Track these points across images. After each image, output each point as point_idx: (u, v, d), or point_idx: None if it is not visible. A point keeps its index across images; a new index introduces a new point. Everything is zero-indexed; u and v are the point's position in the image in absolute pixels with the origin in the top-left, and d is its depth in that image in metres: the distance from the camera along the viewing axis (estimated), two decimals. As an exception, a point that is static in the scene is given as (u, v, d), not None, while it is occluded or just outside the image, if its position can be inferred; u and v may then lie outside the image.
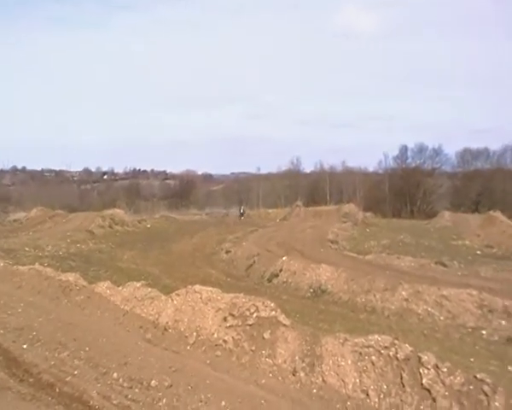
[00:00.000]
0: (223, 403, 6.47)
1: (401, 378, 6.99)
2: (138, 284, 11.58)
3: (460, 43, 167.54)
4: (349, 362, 7.53)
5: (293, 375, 7.64)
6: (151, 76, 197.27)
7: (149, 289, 11.26)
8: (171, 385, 6.88)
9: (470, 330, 11.81)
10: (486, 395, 6.22)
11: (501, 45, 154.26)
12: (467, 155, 62.53)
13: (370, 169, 72.75)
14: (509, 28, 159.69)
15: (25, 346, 8.21)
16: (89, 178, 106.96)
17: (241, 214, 44.50)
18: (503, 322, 11.68)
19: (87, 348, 8.06)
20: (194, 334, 9.10)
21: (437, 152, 62.80)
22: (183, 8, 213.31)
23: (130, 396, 6.50)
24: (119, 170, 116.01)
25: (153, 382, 6.92)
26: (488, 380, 6.42)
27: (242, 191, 75.34)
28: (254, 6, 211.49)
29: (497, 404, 6.08)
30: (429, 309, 12.94)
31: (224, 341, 8.74)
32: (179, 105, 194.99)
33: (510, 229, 28.91)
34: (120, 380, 6.95)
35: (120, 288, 11.52)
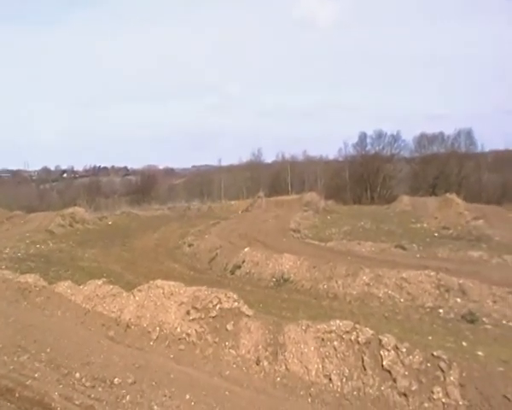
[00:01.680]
0: (187, 396, 6.49)
1: (362, 362, 7.16)
2: (100, 282, 11.47)
3: (416, 29, 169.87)
4: (312, 349, 7.65)
5: (257, 365, 7.72)
6: (108, 70, 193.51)
7: (111, 287, 11.16)
8: (134, 382, 6.86)
9: (429, 309, 12.12)
10: (443, 370, 6.45)
11: (457, 31, 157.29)
12: (423, 140, 63.64)
13: (331, 157, 73.33)
14: (465, 15, 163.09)
15: (-19, 352, 8.02)
16: (48, 177, 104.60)
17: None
18: (459, 300, 12.03)
19: (48, 350, 7.96)
20: (158, 329, 9.09)
21: (395, 138, 63.67)
22: None
23: (93, 396, 6.46)
24: (78, 168, 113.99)
25: (116, 379, 6.89)
26: (444, 356, 6.65)
27: (204, 184, 74.95)
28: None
29: (452, 378, 6.31)
30: (390, 292, 13.19)
31: (188, 334, 8.76)
32: (137, 99, 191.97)
33: (465, 210, 29.73)
34: (83, 380, 6.90)
35: (81, 287, 11.38)
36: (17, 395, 6.54)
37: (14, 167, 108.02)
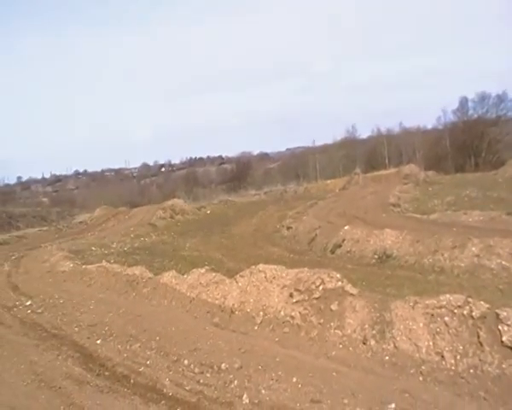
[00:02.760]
0: (294, 379, 6.43)
1: (478, 337, 6.71)
2: (202, 270, 11.69)
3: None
4: (421, 325, 7.31)
5: (364, 344, 7.50)
6: (197, 61, 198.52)
7: (214, 274, 11.35)
8: (241, 367, 6.91)
9: (550, 280, 11.24)
10: None
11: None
12: (534, 96, 58.98)
13: (429, 127, 70.35)
14: None
15: (98, 341, 8.51)
16: (147, 172, 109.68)
17: None
18: None
19: (157, 338, 8.25)
20: (261, 313, 9.09)
21: (501, 99, 59.32)
22: None
23: (201, 381, 6.58)
24: (175, 161, 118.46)
25: (223, 365, 6.97)
26: None
27: (299, 166, 74.89)
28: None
29: None
30: (503, 263, 12.38)
31: (292, 317, 8.69)
32: (229, 88, 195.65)
33: None
34: (191, 366, 7.05)
35: (185, 276, 11.67)
36: (132, 381, 6.82)
37: (116, 166, 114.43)
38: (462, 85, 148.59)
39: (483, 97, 59.64)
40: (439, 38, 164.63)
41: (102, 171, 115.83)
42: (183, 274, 11.86)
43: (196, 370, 6.92)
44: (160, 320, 9.34)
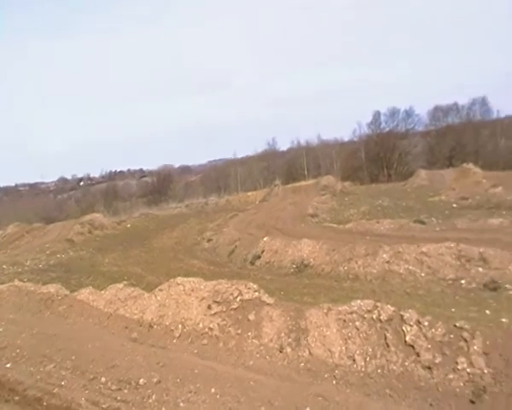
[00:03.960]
0: (212, 390, 6.55)
1: (385, 339, 7.16)
2: (120, 286, 11.60)
3: (421, 6, 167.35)
4: (334, 331, 7.68)
5: (280, 352, 7.76)
6: (115, 72, 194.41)
7: (132, 289, 11.29)
8: (159, 381, 6.94)
9: (450, 281, 12.05)
10: (466, 340, 6.43)
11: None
12: (437, 112, 62.98)
13: (346, 139, 72.93)
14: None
15: (8, 365, 8.13)
16: (65, 186, 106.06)
17: None
18: (480, 269, 11.94)
19: (73, 357, 8.05)
20: (180, 326, 9.17)
21: (408, 114, 63.10)
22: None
23: (119, 398, 6.54)
24: (95, 174, 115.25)
25: (141, 380, 6.97)
26: (467, 326, 6.63)
27: (220, 178, 75.19)
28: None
29: (475, 348, 6.29)
30: (410, 268, 13.14)
31: (210, 329, 8.83)
32: (148, 99, 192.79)
33: (483, 179, 29.37)
34: (109, 383, 6.98)
35: (103, 292, 11.51)
36: (45, 403, 6.63)
37: (31, 180, 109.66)
38: (375, 100, 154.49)
39: (393, 112, 63.06)
40: (355, 54, 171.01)
41: (16, 185, 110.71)
42: (100, 290, 11.69)
43: (114, 387, 6.86)
44: (75, 338, 9.11)
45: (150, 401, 6.41)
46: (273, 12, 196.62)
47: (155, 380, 6.89)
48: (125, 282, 12.31)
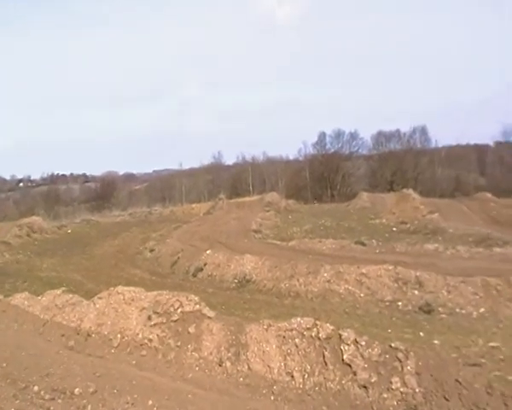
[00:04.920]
0: (150, 402, 6.45)
1: (323, 357, 7.28)
2: (58, 292, 11.31)
3: (371, 28, 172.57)
4: (273, 347, 7.75)
5: (220, 366, 7.77)
6: (64, 76, 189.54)
7: (70, 296, 11.03)
8: (95, 391, 6.76)
9: (388, 303, 12.42)
10: (400, 361, 6.63)
11: (411, 29, 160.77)
12: (380, 137, 65.03)
13: (291, 157, 73.91)
14: (418, 13, 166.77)
15: None
16: (3, 187, 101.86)
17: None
18: (416, 292, 12.38)
19: (4, 364, 7.68)
20: (119, 336, 9.02)
21: (353, 136, 64.86)
22: (92, 4, 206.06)
23: (52, 408, 6.30)
24: (35, 176, 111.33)
25: (76, 390, 6.76)
26: (401, 347, 6.84)
27: (165, 188, 74.58)
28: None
29: (409, 368, 6.50)
30: (350, 288, 13.44)
31: (149, 340, 8.74)
32: (96, 105, 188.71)
33: (421, 205, 30.49)
34: (42, 393, 6.71)
35: (39, 297, 11.17)
36: (-30, 414, 6.35)
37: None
38: (321, 120, 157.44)
39: (338, 134, 64.71)
40: (302, 73, 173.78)
41: None
42: (37, 296, 11.34)
43: (47, 396, 6.61)
44: (8, 345, 8.73)
45: (85, 411, 6.25)
46: (221, 26, 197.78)
47: (91, 390, 6.71)
48: (64, 288, 12.00)
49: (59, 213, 51.43)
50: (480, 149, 63.56)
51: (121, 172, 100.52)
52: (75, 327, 9.60)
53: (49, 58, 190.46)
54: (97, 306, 9.89)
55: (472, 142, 65.21)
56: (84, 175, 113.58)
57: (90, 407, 6.35)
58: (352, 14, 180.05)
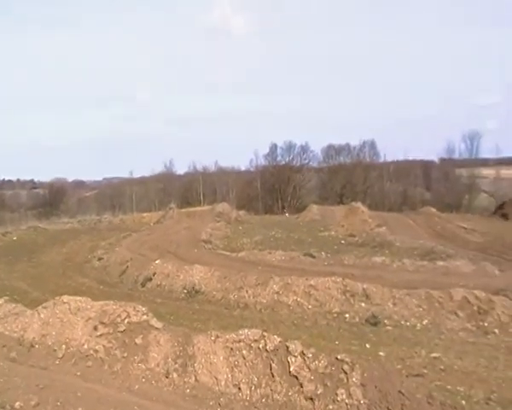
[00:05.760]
0: (95, 414, 6.33)
1: (271, 369, 7.31)
2: (1, 301, 10.98)
3: (325, 39, 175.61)
4: (221, 358, 7.73)
5: (167, 377, 7.69)
6: (10, 77, 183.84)
7: (13, 305, 10.74)
8: (38, 404, 6.57)
9: (336, 315, 12.60)
10: (346, 373, 6.73)
11: (364, 43, 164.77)
12: (331, 150, 66.22)
13: (243, 168, 74.25)
14: (375, 25, 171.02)
15: None
16: None
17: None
18: (363, 304, 12.63)
19: None
20: (64, 347, 8.81)
21: (304, 149, 65.77)
22: (47, 5, 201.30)
23: (-11, 425, 6.11)
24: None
25: (17, 403, 6.54)
26: (347, 359, 6.94)
27: (115, 196, 73.48)
28: (124, 3, 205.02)
29: (354, 379, 6.61)
30: (298, 299, 13.57)
31: (95, 350, 8.56)
32: (44, 109, 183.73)
33: (369, 218, 31.22)
34: (-21, 407, 6.49)
35: (-20, 307, 10.77)
36: None
37: None
38: (271, 131, 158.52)
39: (290, 146, 65.49)
40: (255, 84, 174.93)
41: None
42: (-23, 305, 10.92)
43: (-15, 411, 6.40)
44: None
45: (26, 425, 6.06)
46: (174, 33, 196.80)
47: (33, 403, 6.50)
48: (7, 297, 11.59)
49: (4, 219, 49.76)
50: (426, 165, 65.84)
51: (70, 179, 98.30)
52: (18, 338, 9.32)
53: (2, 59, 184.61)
54: (42, 316, 9.62)
55: (418, 157, 67.30)
56: (32, 181, 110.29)
57: (30, 420, 6.17)
58: (307, 26, 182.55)
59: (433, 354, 9.41)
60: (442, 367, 8.73)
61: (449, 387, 7.63)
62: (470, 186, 53.82)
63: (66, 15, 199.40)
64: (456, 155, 58.71)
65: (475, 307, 11.62)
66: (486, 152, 61.34)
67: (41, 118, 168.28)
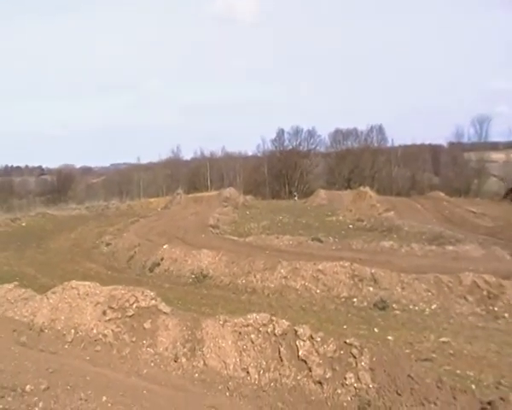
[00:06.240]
0: (104, 398, 6.30)
1: (279, 353, 7.29)
2: (11, 286, 11.02)
3: (331, 28, 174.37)
4: (229, 343, 7.72)
5: (175, 362, 7.69)
6: (21, 66, 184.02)
7: (23, 290, 10.76)
8: (48, 387, 6.57)
9: (344, 299, 12.57)
10: (355, 357, 6.71)
11: (370, 31, 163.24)
12: (338, 135, 65.79)
13: (250, 153, 74.05)
14: (381, 14, 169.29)
15: None
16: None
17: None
18: (371, 288, 12.58)
19: (-49, 361, 7.45)
20: (73, 331, 8.83)
21: (311, 134, 65.40)
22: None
23: (1, 406, 6.12)
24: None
25: (28, 387, 6.55)
26: (356, 343, 6.91)
27: (123, 182, 73.58)
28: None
29: (363, 363, 6.59)
30: (307, 284, 13.54)
31: (104, 335, 8.57)
32: (53, 96, 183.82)
33: (377, 203, 31.08)
34: (-10, 390, 6.52)
35: (-10, 292, 10.83)
36: None
37: None
38: (280, 117, 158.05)
39: (297, 131, 65.13)
40: (262, 70, 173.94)
41: None
42: (-13, 290, 10.98)
43: (-4, 394, 6.43)
44: (-45, 341, 8.48)
45: (36, 408, 6.04)
46: (181, 21, 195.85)
47: (43, 387, 6.51)
48: (16, 282, 11.63)
49: (13, 206, 50.07)
50: (434, 149, 65.04)
51: (78, 166, 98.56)
52: (27, 322, 9.35)
53: (4, 46, 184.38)
54: (51, 301, 9.64)
55: (426, 142, 66.59)
56: (40, 168, 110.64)
57: (41, 404, 6.16)
58: (313, 14, 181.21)
59: (442, 339, 9.36)
60: (451, 352, 8.68)
61: (458, 371, 7.59)
62: (479, 170, 53.28)
63: (74, 4, 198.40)
64: (464, 140, 58.36)
65: (485, 292, 11.54)
66: (497, 136, 60.69)
67: (50, 105, 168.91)
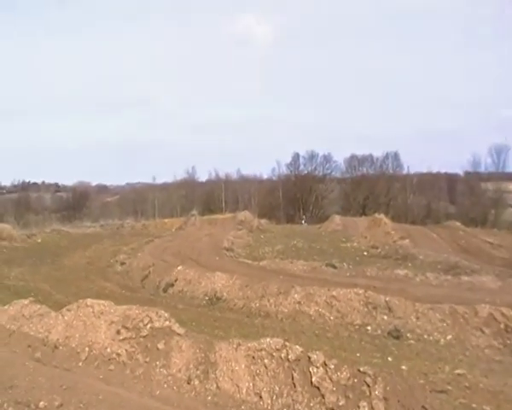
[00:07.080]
0: (116, 417, 6.37)
1: (292, 379, 7.26)
2: (26, 302, 11.12)
3: (347, 51, 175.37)
4: (243, 366, 7.70)
5: (188, 383, 7.68)
6: (37, 82, 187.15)
7: (38, 306, 10.85)
8: (61, 404, 6.66)
9: (357, 327, 12.47)
10: (368, 385, 6.65)
11: (385, 56, 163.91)
12: (354, 161, 66.05)
13: (265, 176, 74.48)
14: (394, 40, 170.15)
15: None
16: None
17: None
18: (385, 317, 12.47)
19: (-33, 375, 7.54)
20: (87, 349, 8.88)
21: (327, 159, 65.82)
22: (68, 10, 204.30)
23: (15, 422, 6.20)
24: (6, 183, 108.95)
25: (41, 403, 6.65)
26: (370, 372, 6.86)
27: (138, 202, 74.16)
28: (146, 10, 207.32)
29: (376, 392, 6.52)
30: (320, 310, 13.48)
31: (118, 354, 8.61)
32: (69, 113, 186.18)
33: (392, 230, 30.94)
34: (5, 405, 6.59)
35: (6, 307, 10.97)
36: None
37: None
38: (294, 140, 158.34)
39: (312, 155, 65.57)
40: (280, 93, 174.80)
41: None
42: (4, 305, 11.13)
43: (10, 409, 6.50)
44: (-29, 355, 8.58)
45: (50, 425, 6.13)
46: (196, 41, 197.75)
47: (57, 403, 6.59)
48: (32, 298, 11.75)
49: (29, 222, 50.63)
50: (450, 178, 64.91)
51: (94, 183, 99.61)
52: (42, 338, 9.44)
53: (20, 62, 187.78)
54: (66, 318, 9.74)
55: (442, 170, 66.45)
56: (56, 184, 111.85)
57: (54, 421, 6.23)
58: (328, 37, 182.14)
59: (458, 371, 9.21)
60: (467, 384, 8.55)
61: (474, 405, 7.47)
62: (496, 201, 52.92)
63: (87, 22, 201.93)
64: (481, 169, 58.02)
65: (502, 325, 11.37)
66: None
67: (67, 122, 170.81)
